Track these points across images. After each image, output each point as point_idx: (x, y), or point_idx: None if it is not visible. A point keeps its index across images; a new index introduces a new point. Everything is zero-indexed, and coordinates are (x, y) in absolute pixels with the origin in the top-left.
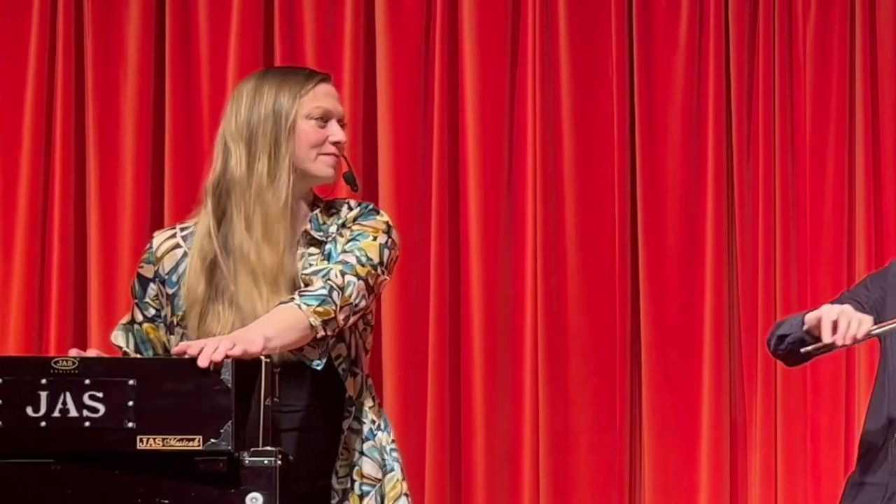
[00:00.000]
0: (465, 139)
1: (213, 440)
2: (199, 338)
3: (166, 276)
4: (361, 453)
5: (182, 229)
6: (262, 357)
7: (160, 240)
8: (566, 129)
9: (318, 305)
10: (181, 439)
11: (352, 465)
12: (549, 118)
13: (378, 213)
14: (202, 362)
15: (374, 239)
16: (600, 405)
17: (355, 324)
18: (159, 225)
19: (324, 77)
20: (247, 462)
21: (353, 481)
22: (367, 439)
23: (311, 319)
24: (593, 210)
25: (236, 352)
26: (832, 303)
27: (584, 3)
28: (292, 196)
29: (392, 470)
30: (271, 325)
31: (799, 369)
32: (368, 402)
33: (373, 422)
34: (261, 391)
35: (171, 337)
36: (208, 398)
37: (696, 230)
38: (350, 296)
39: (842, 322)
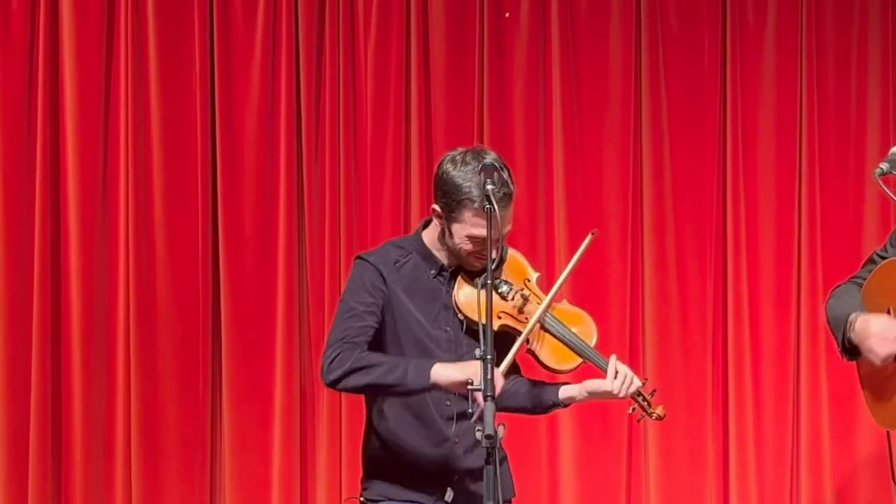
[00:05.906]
0: (65, 143)
1: None
2: None
3: None
4: None
5: None
6: None
7: None
8: (155, 131)
9: None
10: None
11: None
12: (141, 123)
13: None
14: None
15: None
16: (186, 378)
17: None
18: None
19: None
20: None
21: None
22: None
23: None
24: (179, 202)
25: None
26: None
27: (170, 17)
28: None
29: None
30: None
31: None
32: None
33: None
34: None
35: None
36: None
37: (270, 220)
38: None
39: None
